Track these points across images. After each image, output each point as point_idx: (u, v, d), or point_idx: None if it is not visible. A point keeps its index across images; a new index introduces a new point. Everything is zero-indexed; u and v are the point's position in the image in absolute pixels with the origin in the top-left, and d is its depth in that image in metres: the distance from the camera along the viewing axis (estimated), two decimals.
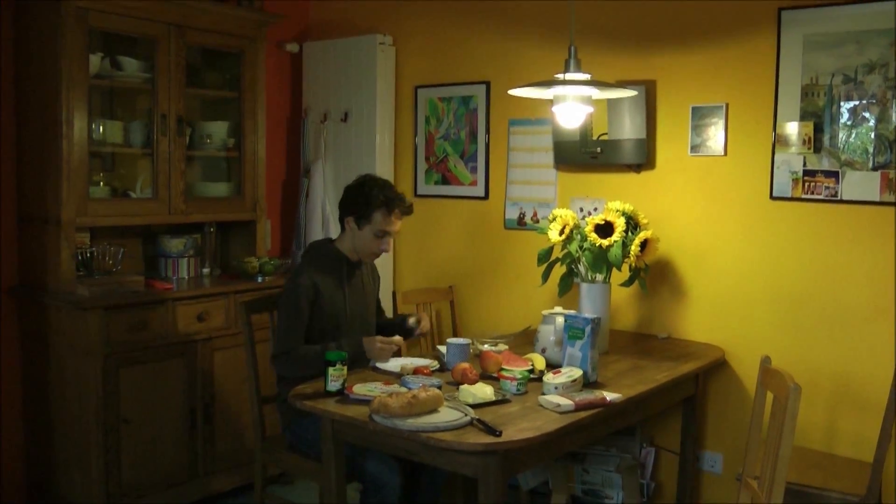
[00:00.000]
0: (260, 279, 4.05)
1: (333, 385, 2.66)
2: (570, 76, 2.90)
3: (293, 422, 3.10)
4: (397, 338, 3.07)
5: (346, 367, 2.69)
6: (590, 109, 3.04)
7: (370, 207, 3.06)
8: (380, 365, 3.06)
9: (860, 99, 3.14)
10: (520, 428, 2.37)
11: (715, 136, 3.49)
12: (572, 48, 2.92)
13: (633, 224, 3.35)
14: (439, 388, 2.64)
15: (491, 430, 2.31)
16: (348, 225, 3.13)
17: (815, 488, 2.82)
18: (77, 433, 3.48)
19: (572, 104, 2.96)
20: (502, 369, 2.82)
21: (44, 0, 3.48)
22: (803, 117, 3.26)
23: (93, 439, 3.42)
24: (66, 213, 3.49)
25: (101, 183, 3.83)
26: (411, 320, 3.26)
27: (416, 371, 2.90)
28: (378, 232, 3.09)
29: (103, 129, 3.77)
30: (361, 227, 3.10)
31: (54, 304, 3.51)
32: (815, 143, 3.23)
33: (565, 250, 3.34)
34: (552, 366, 2.96)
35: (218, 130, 4.17)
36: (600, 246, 3.23)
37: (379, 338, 3.02)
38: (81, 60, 3.50)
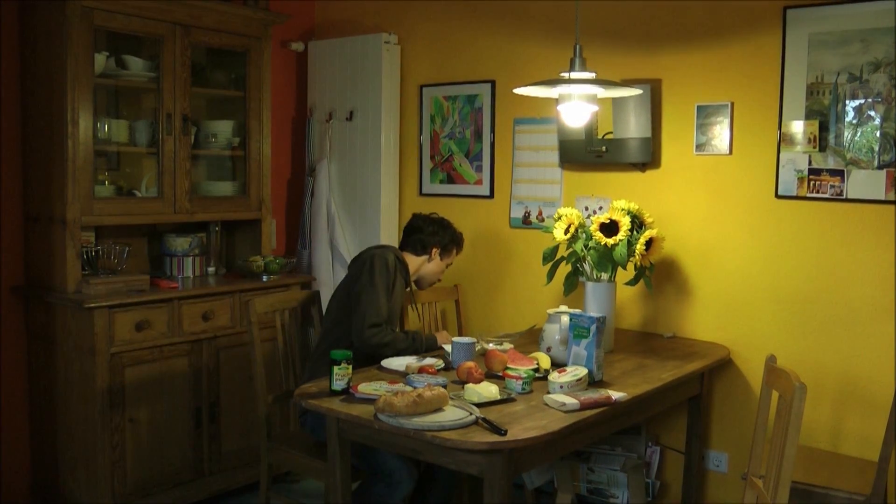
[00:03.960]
0: (265, 278, 4.05)
1: (338, 384, 2.67)
2: (575, 75, 2.90)
3: (310, 413, 3.10)
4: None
5: (350, 367, 2.69)
6: (595, 108, 3.04)
7: (454, 244, 3.56)
8: (384, 364, 3.07)
9: (865, 97, 3.13)
10: (525, 427, 2.37)
11: (720, 134, 3.48)
12: (577, 47, 2.92)
13: (638, 223, 3.35)
14: (444, 386, 2.65)
15: (496, 429, 2.31)
16: (433, 252, 3.49)
17: (821, 487, 2.82)
18: (82, 432, 3.49)
19: (577, 103, 2.95)
20: (507, 368, 2.83)
21: None
22: (808, 116, 3.25)
23: (98, 438, 3.43)
24: (72, 212, 3.49)
25: (107, 182, 3.84)
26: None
27: (422, 370, 2.89)
28: (448, 264, 3.58)
29: (108, 129, 3.78)
30: (442, 258, 3.54)
31: (60, 303, 3.52)
32: (821, 141, 3.22)
33: (570, 249, 3.34)
34: (557, 365, 2.96)
35: (223, 129, 4.17)
36: (605, 245, 3.23)
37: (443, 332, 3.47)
38: (87, 60, 3.51)
